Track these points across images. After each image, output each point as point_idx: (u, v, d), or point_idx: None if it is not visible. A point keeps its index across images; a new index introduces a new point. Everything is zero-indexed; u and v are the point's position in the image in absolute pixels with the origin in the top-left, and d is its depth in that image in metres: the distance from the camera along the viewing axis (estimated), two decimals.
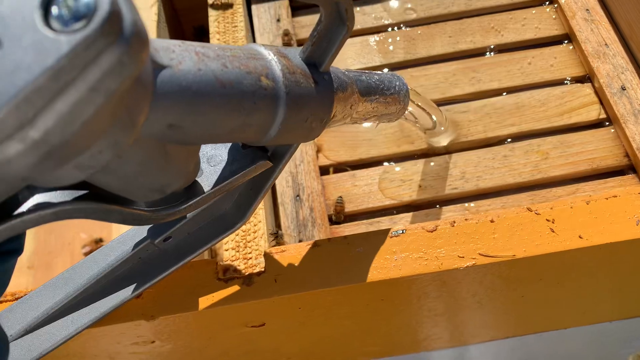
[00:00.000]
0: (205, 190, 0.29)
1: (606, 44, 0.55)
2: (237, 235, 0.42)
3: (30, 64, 0.15)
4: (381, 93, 0.37)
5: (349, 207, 0.49)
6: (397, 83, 0.39)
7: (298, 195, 0.48)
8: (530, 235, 0.37)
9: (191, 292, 0.37)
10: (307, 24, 0.60)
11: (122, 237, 0.34)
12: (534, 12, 0.60)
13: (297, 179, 0.49)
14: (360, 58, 0.58)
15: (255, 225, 0.43)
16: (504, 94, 0.55)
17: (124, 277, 0.34)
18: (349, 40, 0.58)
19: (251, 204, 0.34)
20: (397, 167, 0.51)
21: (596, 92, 0.54)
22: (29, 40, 0.15)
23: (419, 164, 0.51)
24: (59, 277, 0.34)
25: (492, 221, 0.38)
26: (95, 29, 0.15)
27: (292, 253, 0.38)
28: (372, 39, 0.59)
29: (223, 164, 0.31)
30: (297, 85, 0.28)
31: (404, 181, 0.50)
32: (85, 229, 0.77)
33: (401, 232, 0.38)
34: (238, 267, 0.38)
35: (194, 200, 0.29)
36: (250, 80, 0.25)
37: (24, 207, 0.21)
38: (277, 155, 0.32)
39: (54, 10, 0.15)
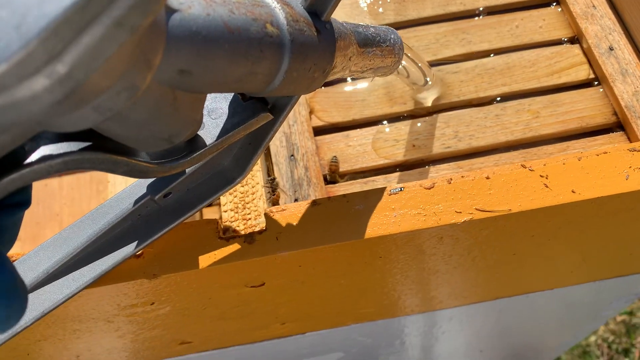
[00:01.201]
0: (207, 143, 0.29)
1: (594, 6, 0.56)
2: (235, 197, 0.42)
3: None
4: (377, 45, 0.37)
5: (344, 167, 0.49)
6: (392, 36, 0.39)
7: (292, 155, 0.49)
8: (524, 191, 0.38)
9: (193, 251, 0.37)
10: None
11: (119, 195, 0.34)
12: None
13: (291, 139, 0.50)
14: (350, 20, 0.57)
15: (253, 187, 0.43)
16: (494, 55, 0.55)
17: (124, 234, 0.34)
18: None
19: (250, 158, 0.34)
20: (391, 127, 0.51)
21: (584, 53, 0.55)
22: None
23: (412, 123, 0.51)
24: (57, 237, 0.34)
25: (487, 178, 0.38)
26: None
27: (293, 212, 0.38)
28: (362, 0, 0.59)
29: (224, 116, 0.31)
30: (301, 34, 0.28)
31: (398, 141, 0.51)
32: (73, 200, 0.77)
33: (399, 189, 0.38)
34: (238, 228, 0.38)
35: (198, 152, 0.29)
36: (257, 27, 0.25)
37: (33, 157, 0.21)
38: (278, 108, 0.32)
39: None
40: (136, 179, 0.33)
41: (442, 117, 0.52)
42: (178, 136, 0.26)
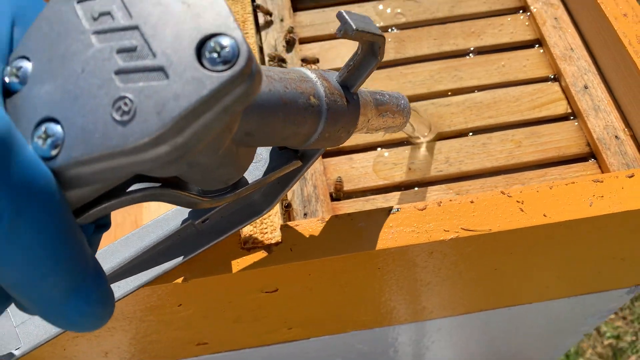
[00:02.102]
0: (249, 182, 0.36)
1: (572, 49, 0.63)
2: None
3: (190, 93, 0.20)
4: (390, 109, 0.44)
5: (347, 186, 0.56)
6: (402, 102, 0.46)
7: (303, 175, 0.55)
8: (503, 214, 0.44)
9: (219, 259, 0.43)
10: (307, 23, 0.66)
11: (163, 217, 0.40)
12: (509, 19, 0.67)
13: None
14: None
15: None
16: (483, 90, 0.62)
17: (165, 251, 0.40)
18: (345, 40, 0.64)
19: (277, 195, 0.40)
20: (390, 152, 0.58)
21: (563, 90, 0.61)
22: (189, 75, 0.21)
23: (409, 149, 0.58)
24: (107, 249, 0.40)
25: (472, 202, 0.45)
26: (238, 71, 0.21)
27: (305, 227, 0.44)
28: None
29: (264, 162, 0.37)
30: (335, 104, 0.35)
31: (396, 164, 0.57)
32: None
33: (397, 210, 0.45)
34: (256, 240, 0.45)
35: (241, 189, 0.34)
36: (303, 99, 0.32)
37: (130, 188, 0.27)
38: (306, 156, 0.39)
39: (206, 54, 0.21)
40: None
41: (435, 144, 0.58)
42: (232, 179, 0.32)
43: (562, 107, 0.61)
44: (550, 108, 0.61)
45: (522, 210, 0.45)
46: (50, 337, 0.39)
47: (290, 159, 0.37)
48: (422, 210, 0.45)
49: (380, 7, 0.68)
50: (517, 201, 0.45)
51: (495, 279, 0.55)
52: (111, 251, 0.40)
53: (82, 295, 0.22)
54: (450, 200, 0.45)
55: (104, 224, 0.29)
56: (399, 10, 0.68)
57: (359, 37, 0.34)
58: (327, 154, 0.58)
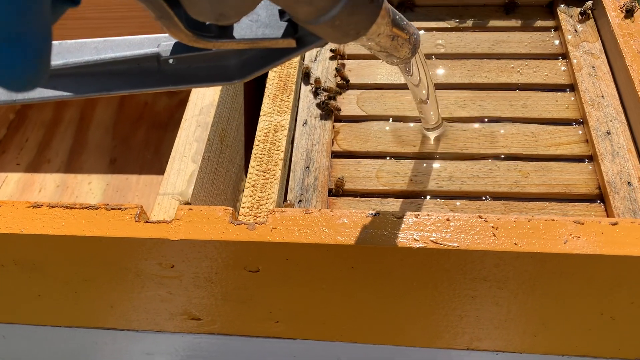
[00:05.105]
0: (236, 37, 0.33)
1: (603, 96, 0.63)
2: (254, 199, 0.53)
3: None
4: (402, 36, 0.42)
5: (348, 186, 0.59)
6: (416, 36, 0.45)
7: (308, 167, 0.60)
8: (475, 235, 0.46)
9: (209, 228, 0.48)
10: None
11: (130, 39, 0.37)
12: (546, 63, 0.69)
13: (311, 154, 0.61)
14: (389, 76, 0.69)
15: (269, 195, 0.54)
16: (503, 122, 0.64)
17: (115, 74, 0.37)
18: (380, 62, 0.69)
19: (256, 69, 0.37)
20: (396, 162, 0.61)
21: (584, 133, 0.62)
22: None
23: (415, 163, 0.61)
24: (60, 45, 0.37)
25: (447, 220, 0.47)
26: None
27: (290, 214, 0.48)
28: None
29: (259, 23, 0.34)
30: None
31: (399, 174, 0.60)
32: (142, 193, 0.90)
33: (375, 214, 0.48)
34: (248, 221, 0.49)
35: (225, 40, 0.32)
36: None
37: None
38: (302, 42, 0.35)
39: None
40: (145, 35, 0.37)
41: (442, 162, 0.61)
42: (226, 18, 0.29)
43: (579, 149, 0.61)
44: (567, 148, 0.61)
45: (494, 235, 0.46)
46: None
47: (287, 34, 0.34)
48: (399, 218, 0.48)
49: (422, 32, 0.71)
50: (492, 227, 0.47)
51: (473, 308, 0.55)
52: (65, 48, 0.37)
53: (22, 45, 0.22)
54: (428, 215, 0.48)
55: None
56: (440, 42, 0.71)
57: None
58: (337, 155, 0.62)
